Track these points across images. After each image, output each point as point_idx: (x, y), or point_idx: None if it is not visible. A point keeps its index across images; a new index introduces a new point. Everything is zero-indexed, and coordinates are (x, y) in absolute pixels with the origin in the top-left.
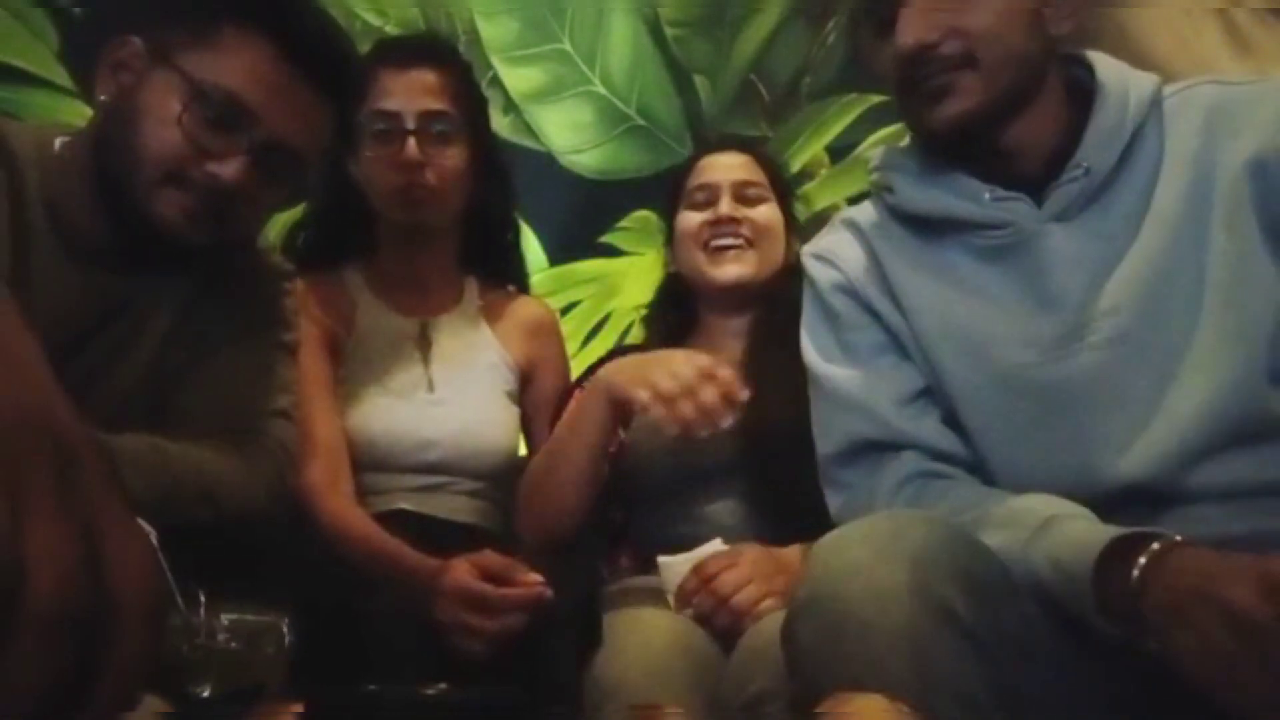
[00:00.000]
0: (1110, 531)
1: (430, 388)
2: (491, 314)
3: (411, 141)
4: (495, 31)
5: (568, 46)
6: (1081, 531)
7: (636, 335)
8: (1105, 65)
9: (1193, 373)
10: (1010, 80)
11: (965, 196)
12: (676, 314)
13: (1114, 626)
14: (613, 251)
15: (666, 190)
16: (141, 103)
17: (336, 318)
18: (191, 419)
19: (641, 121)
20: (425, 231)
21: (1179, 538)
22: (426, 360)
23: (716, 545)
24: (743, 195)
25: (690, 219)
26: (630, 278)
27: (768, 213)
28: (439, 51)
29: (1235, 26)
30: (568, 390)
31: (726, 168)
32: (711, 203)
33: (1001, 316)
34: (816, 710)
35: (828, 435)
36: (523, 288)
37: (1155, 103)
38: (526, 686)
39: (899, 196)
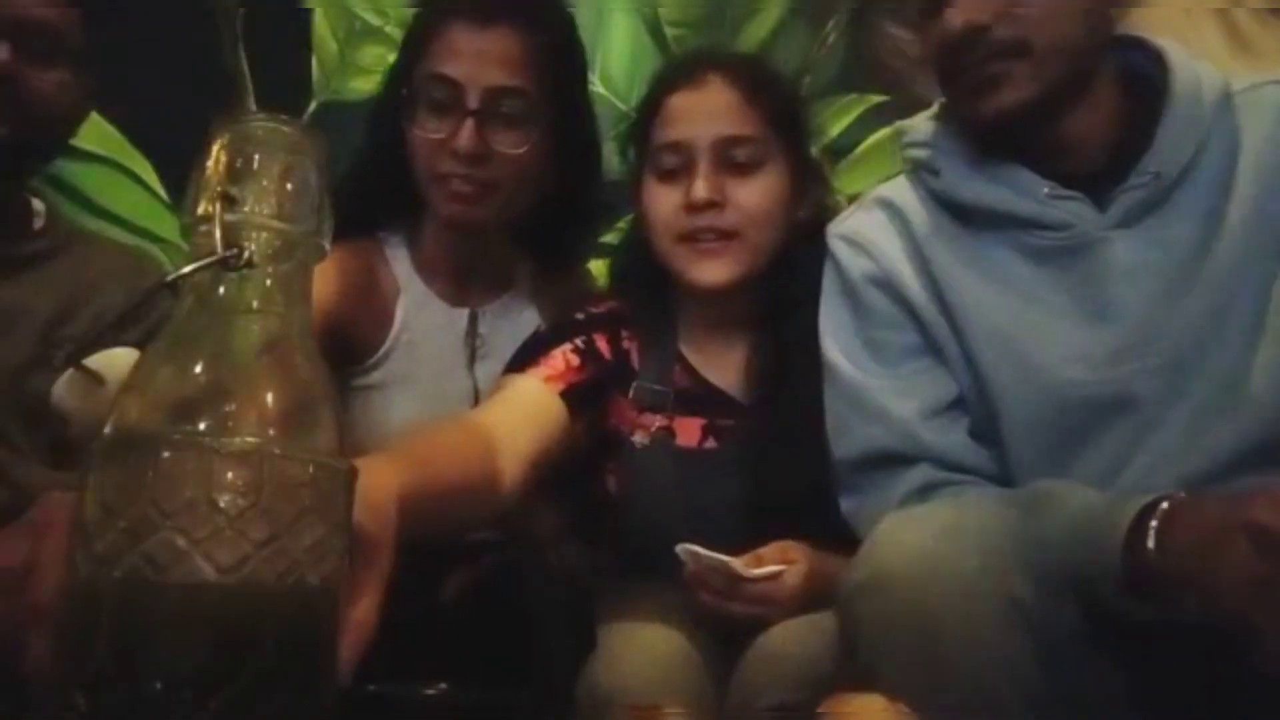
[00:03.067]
0: (1126, 503)
1: (475, 401)
2: (542, 299)
3: (470, 124)
4: None
5: None
6: (1095, 506)
7: None
8: (1177, 56)
9: (1243, 407)
10: (1065, 70)
11: (1021, 191)
12: (654, 278)
13: (1139, 600)
14: (613, 251)
15: (628, 129)
16: None
17: (370, 305)
18: None
19: None
20: (475, 227)
21: (1183, 493)
22: (472, 362)
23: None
24: (728, 160)
25: (659, 197)
26: None
27: (764, 187)
28: (532, 7)
29: (1235, 26)
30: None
31: (705, 117)
32: (686, 171)
33: (1052, 326)
34: (817, 710)
35: (846, 440)
36: (581, 271)
37: (1226, 101)
38: (526, 687)
39: (945, 182)
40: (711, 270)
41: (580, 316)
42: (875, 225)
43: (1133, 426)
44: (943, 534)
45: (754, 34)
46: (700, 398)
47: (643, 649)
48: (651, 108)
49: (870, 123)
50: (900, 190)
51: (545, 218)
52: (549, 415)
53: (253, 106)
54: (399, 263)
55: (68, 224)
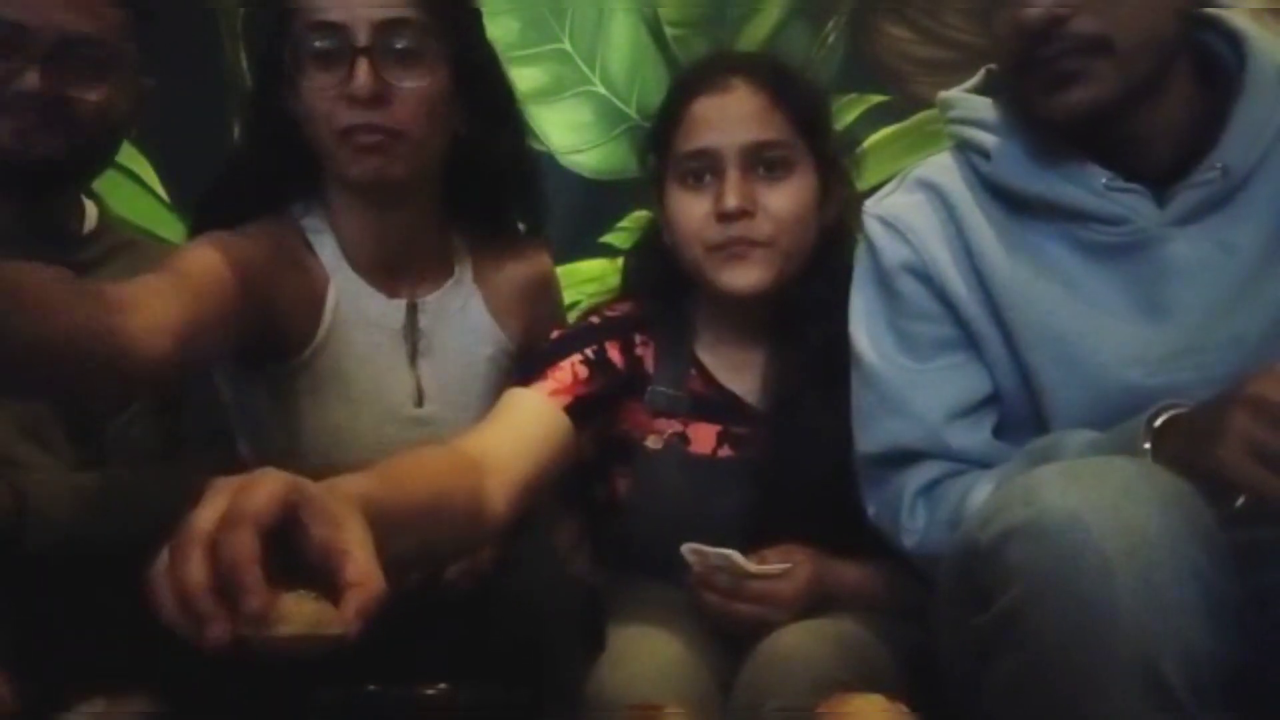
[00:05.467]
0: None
1: (419, 400)
2: (485, 283)
3: (364, 64)
4: (496, 31)
5: (568, 46)
6: (1102, 436)
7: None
8: (1256, 39)
9: None
10: (1148, 67)
11: (1079, 183)
12: (671, 279)
13: None
14: (613, 251)
15: (646, 135)
16: None
17: (298, 292)
18: None
19: (642, 121)
20: (391, 188)
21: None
22: (414, 358)
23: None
24: (758, 166)
25: (687, 206)
26: None
27: (794, 191)
28: None
29: None
30: (549, 340)
31: (732, 123)
32: (714, 178)
33: (1105, 325)
34: (817, 710)
35: (869, 434)
36: (531, 253)
37: None
38: (531, 687)
39: (995, 167)
40: (744, 276)
41: (595, 321)
42: (915, 208)
43: None
44: (1127, 489)
45: (754, 34)
46: (716, 404)
47: (648, 651)
48: (674, 114)
49: (870, 123)
50: (944, 171)
51: (470, 185)
52: (551, 434)
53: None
54: (324, 249)
55: (116, 224)
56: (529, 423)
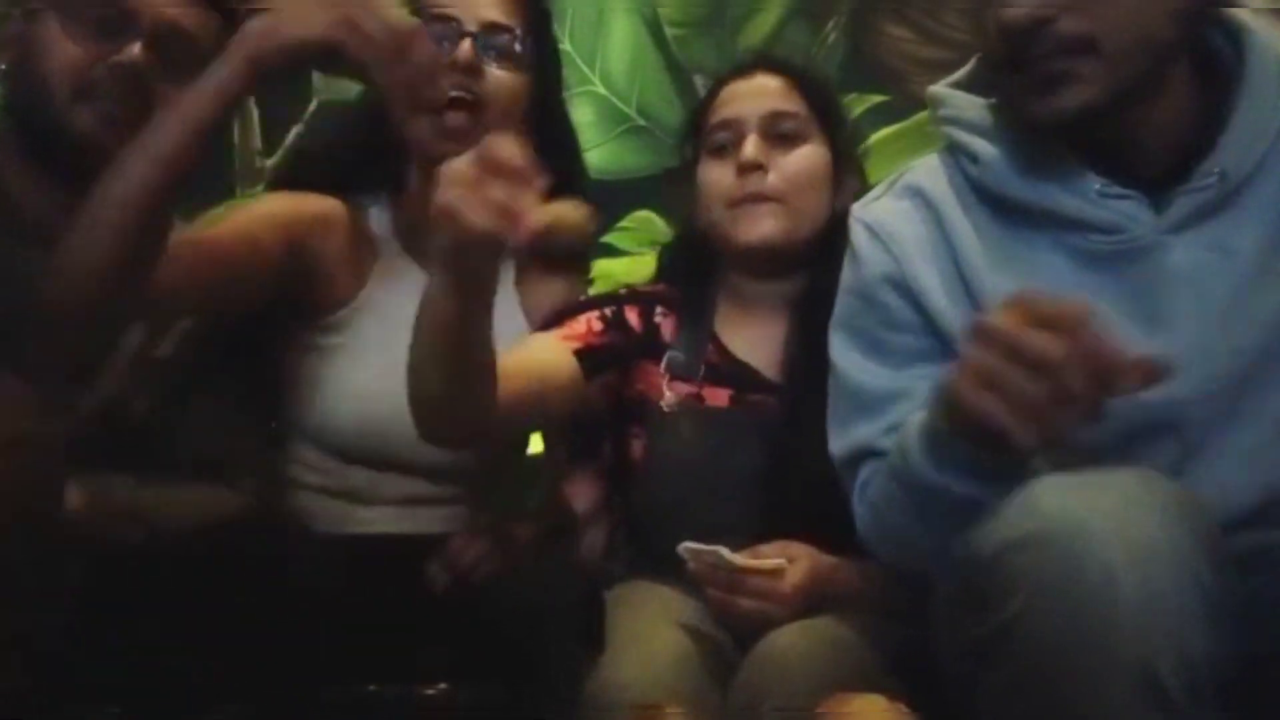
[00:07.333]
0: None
1: None
2: (526, 290)
3: (468, 43)
4: None
5: (568, 46)
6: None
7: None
8: (1257, 34)
9: None
10: (1139, 68)
11: (1071, 189)
12: (701, 265)
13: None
14: (613, 251)
15: (685, 130)
16: (32, 48)
17: (347, 257)
18: None
19: (642, 121)
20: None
21: None
22: None
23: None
24: (774, 132)
25: (713, 173)
26: (631, 278)
27: (805, 156)
28: None
29: None
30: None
31: (754, 97)
32: (735, 144)
33: None
34: (817, 710)
35: (840, 437)
36: (572, 267)
37: None
38: (530, 686)
39: (985, 171)
40: (757, 228)
41: (621, 291)
42: (901, 216)
43: (1178, 452)
44: (1131, 499)
45: (754, 34)
46: (731, 373)
47: (648, 651)
48: (706, 102)
49: (870, 122)
50: (933, 176)
51: None
52: (555, 365)
53: (253, 107)
54: (378, 225)
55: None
56: (538, 352)
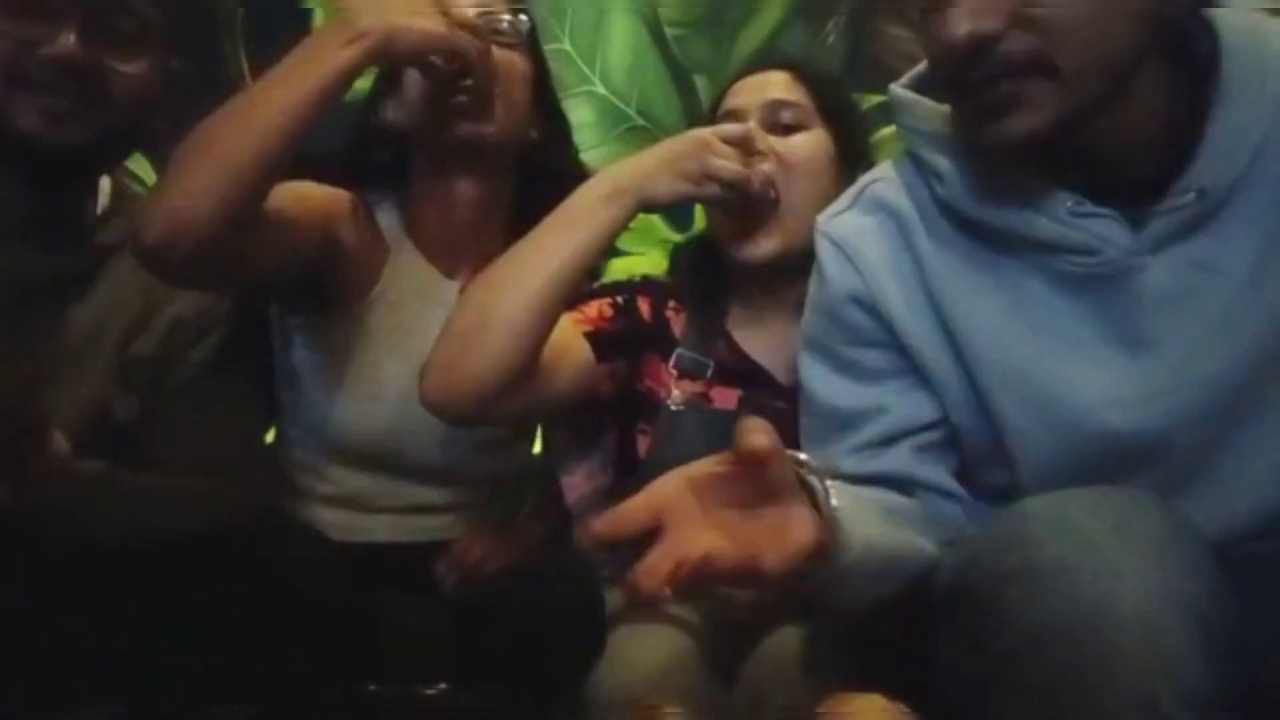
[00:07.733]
0: None
1: None
2: None
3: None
4: None
5: (568, 46)
6: None
7: None
8: (1233, 32)
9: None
10: (1099, 86)
11: (1041, 209)
12: (712, 265)
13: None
14: (613, 251)
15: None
16: None
17: (362, 253)
18: None
19: (642, 122)
20: (474, 156)
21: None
22: None
23: None
24: (775, 120)
25: None
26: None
27: (805, 143)
28: None
29: None
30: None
31: (758, 87)
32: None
33: (1080, 363)
34: (817, 710)
35: (811, 456)
36: None
37: None
38: (530, 687)
39: (950, 191)
40: (755, 248)
41: (634, 280)
42: (867, 233)
43: (1167, 479)
44: (1114, 527)
45: (754, 34)
46: (741, 372)
47: (648, 651)
48: (717, 99)
49: (870, 123)
50: (899, 190)
51: (535, 192)
52: (567, 344)
53: None
54: (387, 223)
55: (130, 193)
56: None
